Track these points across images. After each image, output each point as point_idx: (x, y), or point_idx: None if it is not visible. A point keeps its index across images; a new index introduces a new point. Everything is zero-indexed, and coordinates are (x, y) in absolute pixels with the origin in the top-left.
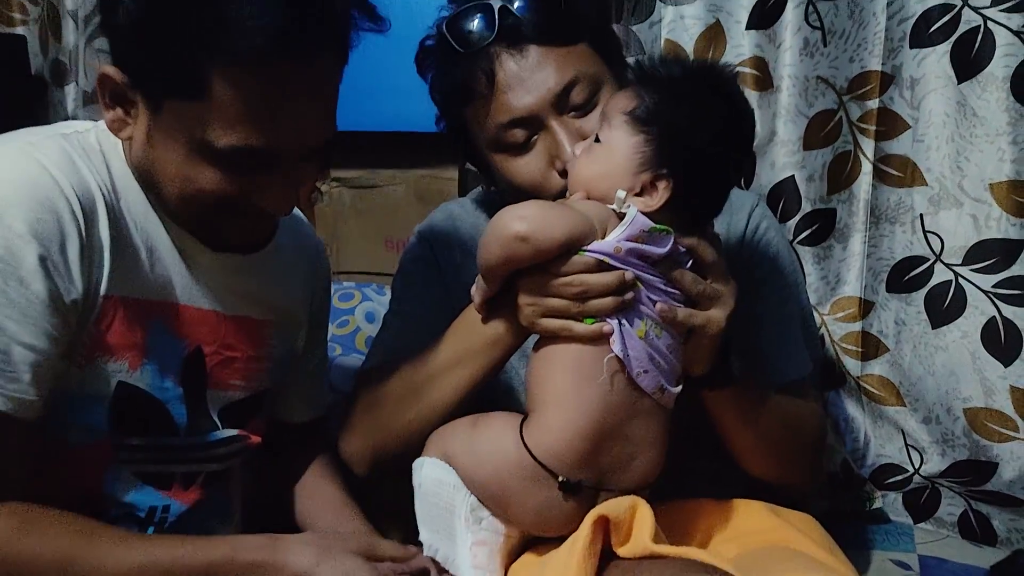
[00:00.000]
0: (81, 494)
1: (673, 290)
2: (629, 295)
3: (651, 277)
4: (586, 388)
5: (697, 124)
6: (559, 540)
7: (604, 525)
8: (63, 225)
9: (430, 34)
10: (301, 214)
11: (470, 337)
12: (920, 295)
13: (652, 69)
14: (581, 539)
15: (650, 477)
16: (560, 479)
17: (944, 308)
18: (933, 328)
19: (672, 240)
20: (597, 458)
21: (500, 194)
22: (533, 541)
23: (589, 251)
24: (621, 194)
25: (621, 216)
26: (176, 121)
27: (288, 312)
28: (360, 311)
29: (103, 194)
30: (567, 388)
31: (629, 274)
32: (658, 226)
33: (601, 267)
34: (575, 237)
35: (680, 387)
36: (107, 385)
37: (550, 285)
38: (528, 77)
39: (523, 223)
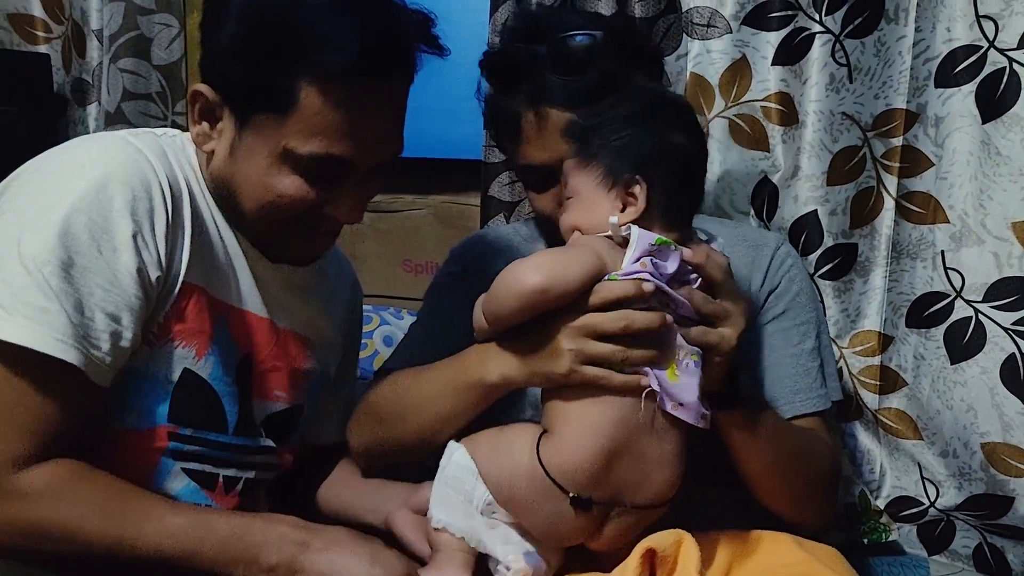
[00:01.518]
0: (130, 481)
1: (688, 311)
2: (669, 350)
3: (675, 295)
4: (609, 414)
5: (632, 122)
6: (600, 563)
7: (651, 558)
8: (155, 206)
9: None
10: (339, 249)
11: (459, 374)
12: (940, 331)
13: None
14: (630, 570)
15: (665, 495)
16: (572, 495)
17: (963, 344)
18: (952, 364)
19: (680, 256)
20: (610, 476)
21: (536, 220)
22: (572, 564)
23: (620, 275)
24: (613, 219)
25: (625, 243)
26: (262, 133)
27: (326, 334)
28: (378, 335)
29: (188, 188)
30: (589, 414)
31: (670, 317)
32: (662, 238)
33: (642, 295)
34: (593, 271)
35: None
36: (173, 369)
37: (594, 324)
38: (547, 137)
39: (538, 274)
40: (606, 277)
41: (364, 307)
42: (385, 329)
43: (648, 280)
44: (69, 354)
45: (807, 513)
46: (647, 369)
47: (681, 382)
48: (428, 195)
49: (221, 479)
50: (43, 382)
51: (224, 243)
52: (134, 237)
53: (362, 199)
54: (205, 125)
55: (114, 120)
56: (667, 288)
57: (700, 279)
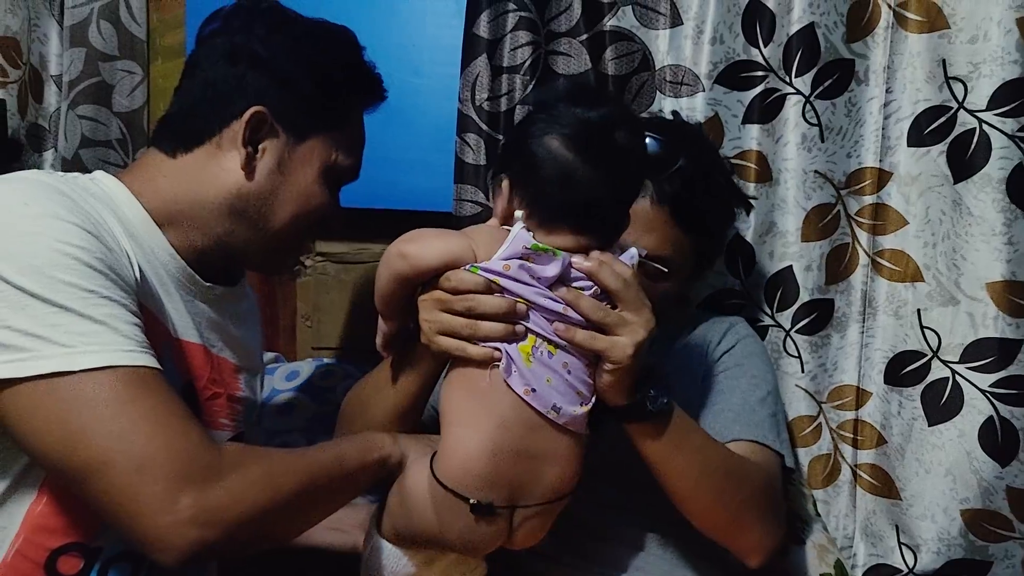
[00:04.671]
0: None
1: (577, 315)
2: (520, 327)
3: (547, 299)
4: (478, 407)
5: (520, 133)
6: None
7: None
8: (101, 232)
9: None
10: None
11: (399, 363)
12: (917, 390)
13: None
14: None
15: (562, 490)
16: (471, 502)
17: (941, 405)
18: (930, 425)
19: (563, 262)
20: (500, 476)
21: None
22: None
23: (481, 268)
24: (518, 214)
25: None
26: (315, 148)
27: (252, 359)
28: (341, 389)
29: (117, 224)
30: (462, 409)
31: (521, 305)
32: (539, 244)
33: (495, 291)
34: (450, 255)
35: (585, 409)
36: None
37: (442, 300)
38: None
39: (404, 243)
40: (467, 267)
41: (327, 361)
42: (348, 383)
43: (505, 279)
44: (145, 359)
45: (744, 538)
46: (502, 346)
47: (534, 369)
48: None
49: None
50: (156, 384)
51: (156, 272)
52: (104, 258)
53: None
54: (250, 149)
55: (71, 167)
56: (521, 293)
57: (595, 288)
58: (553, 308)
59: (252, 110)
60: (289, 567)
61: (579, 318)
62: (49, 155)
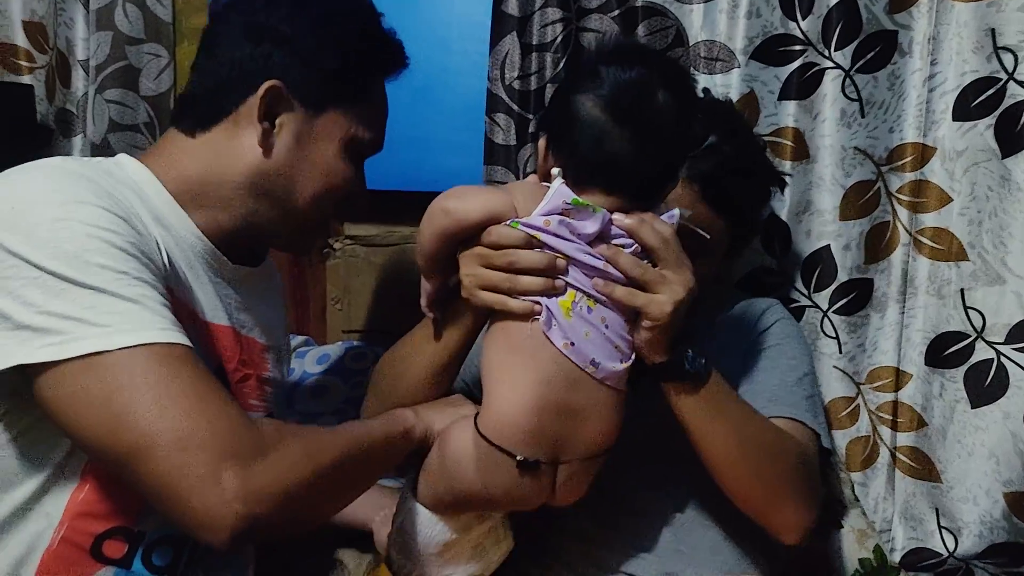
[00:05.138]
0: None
1: (616, 272)
2: (560, 281)
3: (587, 255)
4: (519, 362)
5: (560, 93)
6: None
7: None
8: (129, 216)
9: None
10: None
11: (440, 320)
12: (960, 372)
13: None
14: None
15: (602, 445)
16: (518, 458)
17: (985, 387)
18: (973, 407)
19: (603, 219)
20: (543, 432)
21: None
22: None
23: (522, 224)
24: (555, 170)
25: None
26: (335, 122)
27: (278, 338)
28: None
29: (143, 208)
30: (504, 365)
31: (561, 261)
32: (579, 200)
33: (535, 247)
34: (492, 210)
35: (625, 365)
36: None
37: (483, 255)
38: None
39: (447, 200)
40: (508, 222)
41: (357, 344)
42: None
43: (545, 234)
44: (179, 337)
45: (781, 514)
46: (542, 300)
47: (573, 323)
48: None
49: None
50: (192, 362)
51: (182, 254)
52: (135, 242)
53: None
54: (266, 124)
55: (100, 151)
56: (561, 249)
57: (636, 245)
58: (593, 264)
59: (267, 84)
60: (318, 548)
61: (619, 274)
62: (78, 140)
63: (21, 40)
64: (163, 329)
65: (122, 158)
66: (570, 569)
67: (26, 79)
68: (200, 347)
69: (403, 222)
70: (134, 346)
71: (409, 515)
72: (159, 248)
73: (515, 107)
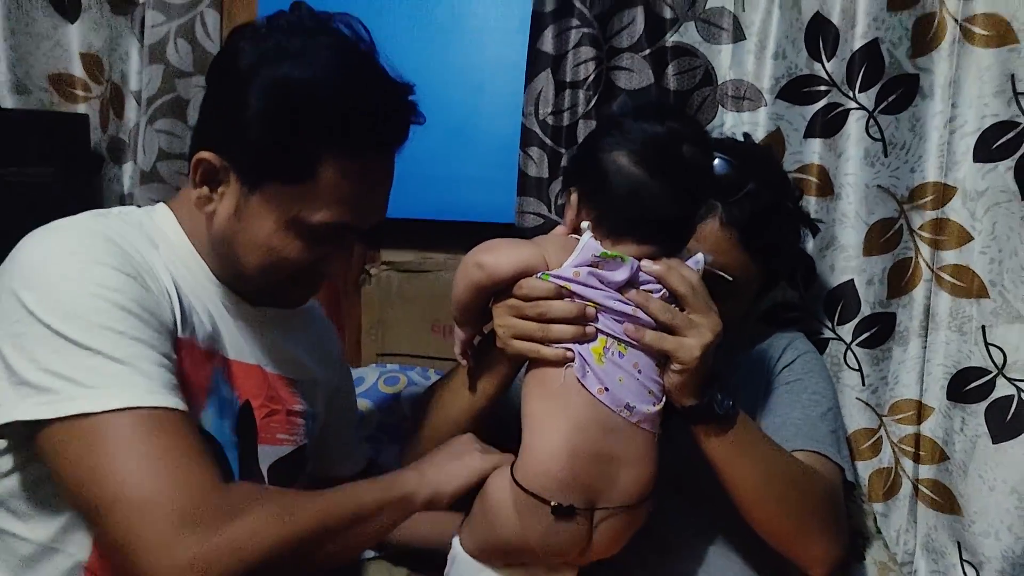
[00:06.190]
0: None
1: (646, 317)
2: (591, 328)
3: (617, 302)
4: (554, 409)
5: (589, 147)
6: None
7: None
8: (140, 271)
9: None
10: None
11: (476, 368)
12: (981, 407)
13: None
14: None
15: (639, 493)
16: (552, 504)
17: (1007, 422)
18: (994, 443)
19: (632, 267)
20: (578, 479)
21: None
22: None
23: (552, 276)
24: (585, 224)
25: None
26: (272, 200)
27: (308, 372)
28: (406, 395)
29: (157, 251)
30: (539, 412)
31: (591, 309)
32: (608, 252)
33: (566, 296)
34: (523, 264)
35: (658, 407)
36: None
37: (516, 307)
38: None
39: (480, 254)
40: (538, 275)
41: (390, 367)
42: (412, 390)
43: (575, 284)
44: (167, 400)
45: (809, 548)
46: (574, 346)
47: (606, 368)
48: (458, 254)
49: None
50: (174, 426)
51: (204, 298)
52: (139, 300)
53: (350, 258)
54: (206, 189)
55: (149, 178)
56: (591, 297)
57: (664, 291)
58: (623, 310)
59: (196, 156)
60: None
61: (648, 319)
62: (128, 167)
63: (78, 71)
64: (150, 392)
65: (159, 207)
66: None
67: (81, 108)
68: (227, 385)
69: (438, 248)
70: (118, 409)
71: (457, 564)
72: (172, 302)
73: (548, 141)
